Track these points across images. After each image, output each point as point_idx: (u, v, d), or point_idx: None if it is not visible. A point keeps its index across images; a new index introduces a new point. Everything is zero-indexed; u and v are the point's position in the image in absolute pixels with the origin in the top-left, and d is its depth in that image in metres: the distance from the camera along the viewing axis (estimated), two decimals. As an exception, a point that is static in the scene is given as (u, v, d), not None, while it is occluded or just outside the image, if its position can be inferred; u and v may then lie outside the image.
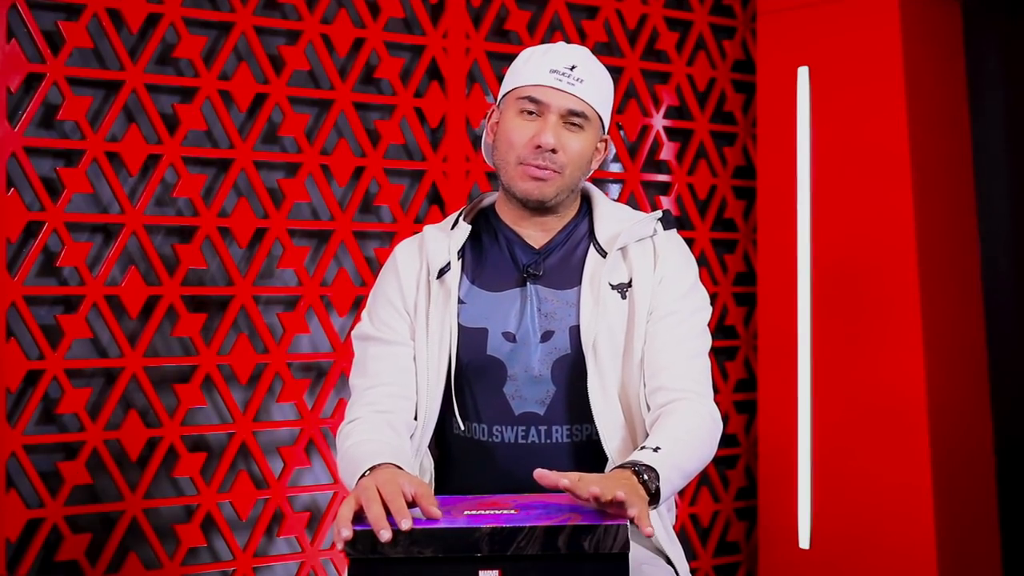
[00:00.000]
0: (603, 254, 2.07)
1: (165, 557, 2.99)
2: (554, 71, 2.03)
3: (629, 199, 3.66)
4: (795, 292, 3.64)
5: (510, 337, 2.04)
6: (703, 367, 2.06)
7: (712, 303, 3.81)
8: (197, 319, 3.04)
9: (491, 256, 2.11)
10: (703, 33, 3.83)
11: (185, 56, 3.03)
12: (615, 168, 3.71)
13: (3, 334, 2.79)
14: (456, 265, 2.07)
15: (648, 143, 3.72)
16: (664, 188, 3.79)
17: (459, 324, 2.05)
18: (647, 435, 1.95)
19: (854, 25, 3.54)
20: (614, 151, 3.68)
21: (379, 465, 1.80)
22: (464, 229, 2.09)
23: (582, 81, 2.03)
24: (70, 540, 2.86)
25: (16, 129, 2.82)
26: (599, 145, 2.11)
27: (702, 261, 3.80)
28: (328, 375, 3.22)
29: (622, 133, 3.70)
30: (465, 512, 1.73)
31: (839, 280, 3.56)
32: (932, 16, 3.53)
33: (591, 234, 2.10)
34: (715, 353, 3.81)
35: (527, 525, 1.63)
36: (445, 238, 2.09)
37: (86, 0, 2.90)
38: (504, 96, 2.09)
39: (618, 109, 3.67)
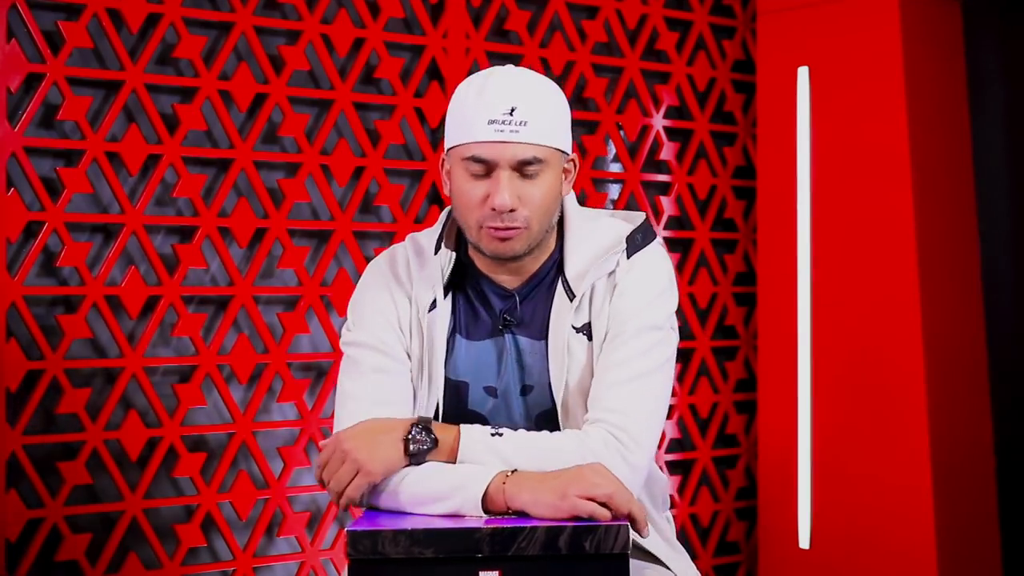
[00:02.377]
0: (571, 296, 1.93)
1: (165, 557, 2.99)
2: (493, 121, 1.84)
3: (629, 199, 3.66)
4: (795, 292, 3.64)
5: (492, 392, 1.95)
6: (633, 391, 1.87)
7: (712, 303, 3.83)
8: (197, 319, 3.03)
9: (468, 298, 1.98)
10: (703, 33, 3.83)
11: (185, 56, 3.03)
12: (615, 168, 3.71)
13: (3, 334, 2.79)
14: (444, 306, 1.95)
15: (648, 143, 3.72)
16: (664, 188, 3.79)
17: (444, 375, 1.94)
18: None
19: (854, 25, 3.53)
20: (614, 151, 3.68)
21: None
22: (448, 257, 1.96)
23: (526, 124, 1.84)
24: (70, 540, 2.86)
25: (16, 129, 2.82)
26: (566, 166, 1.95)
27: (702, 261, 3.80)
28: (328, 375, 3.22)
29: (622, 133, 3.70)
30: (466, 512, 1.74)
31: (839, 280, 3.56)
32: (932, 16, 3.53)
33: (560, 269, 1.96)
34: (715, 353, 3.81)
35: (528, 526, 1.64)
36: (427, 272, 1.96)
37: (86, 0, 2.90)
38: (449, 150, 1.92)
39: (618, 109, 3.67)
